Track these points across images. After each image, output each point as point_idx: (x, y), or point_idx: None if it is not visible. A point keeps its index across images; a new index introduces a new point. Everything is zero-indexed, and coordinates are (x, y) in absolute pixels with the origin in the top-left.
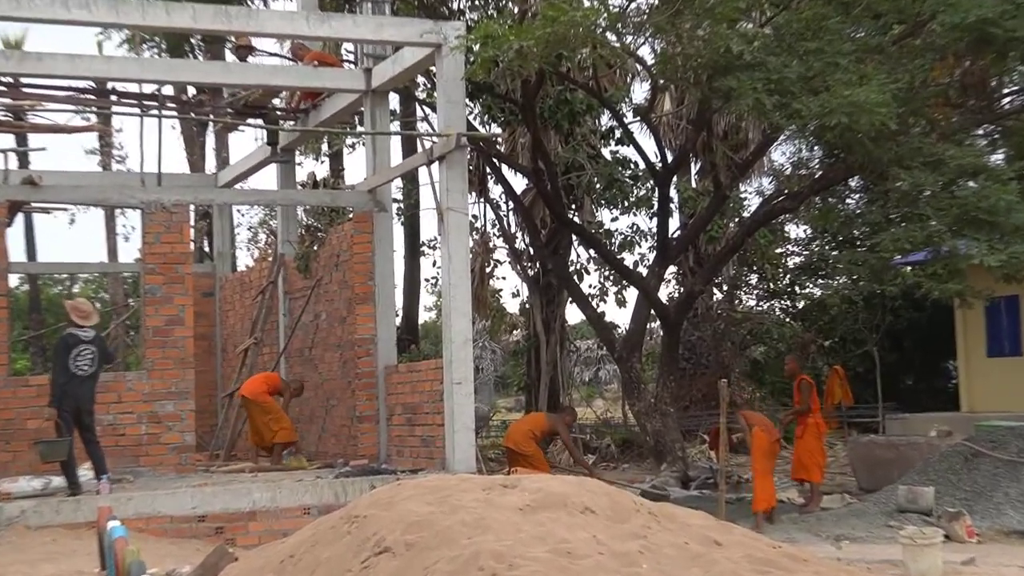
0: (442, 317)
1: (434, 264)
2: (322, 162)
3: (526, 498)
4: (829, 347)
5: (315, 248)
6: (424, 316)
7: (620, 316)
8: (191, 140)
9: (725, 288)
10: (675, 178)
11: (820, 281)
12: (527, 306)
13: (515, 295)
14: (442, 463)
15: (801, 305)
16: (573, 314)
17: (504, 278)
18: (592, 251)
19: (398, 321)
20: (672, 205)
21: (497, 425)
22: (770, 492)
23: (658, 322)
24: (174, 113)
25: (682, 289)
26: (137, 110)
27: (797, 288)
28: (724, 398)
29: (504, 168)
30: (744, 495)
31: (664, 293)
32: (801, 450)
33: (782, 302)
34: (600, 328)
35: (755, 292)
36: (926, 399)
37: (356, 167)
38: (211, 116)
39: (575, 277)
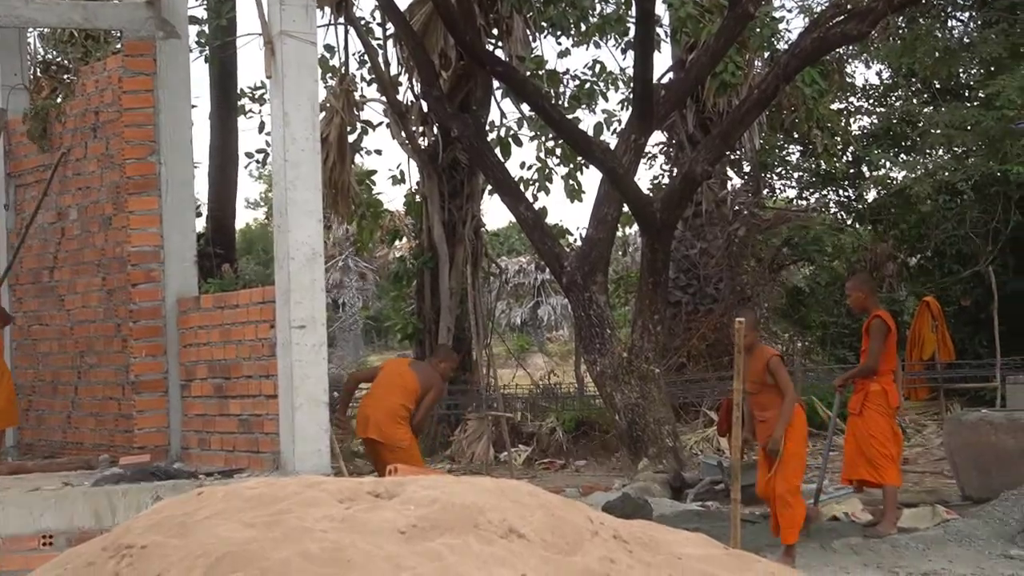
0: (274, 218)
1: (261, 129)
2: None
3: (412, 514)
4: (917, 266)
5: (58, 100)
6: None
7: (573, 215)
8: None
9: (747, 169)
10: None
11: (903, 158)
12: (417, 200)
13: (397, 181)
14: (275, 460)
15: (871, 197)
16: (495, 213)
17: (379, 153)
18: (527, 108)
19: (200, 225)
20: (660, 29)
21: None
22: (802, 508)
23: (635, 226)
24: None
25: (675, 171)
26: None
27: (865, 169)
28: (740, 350)
29: None
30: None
31: (645, 178)
32: (861, 433)
33: (841, 192)
34: (540, 237)
35: (797, 176)
36: None
37: None
38: None
39: (498, 151)
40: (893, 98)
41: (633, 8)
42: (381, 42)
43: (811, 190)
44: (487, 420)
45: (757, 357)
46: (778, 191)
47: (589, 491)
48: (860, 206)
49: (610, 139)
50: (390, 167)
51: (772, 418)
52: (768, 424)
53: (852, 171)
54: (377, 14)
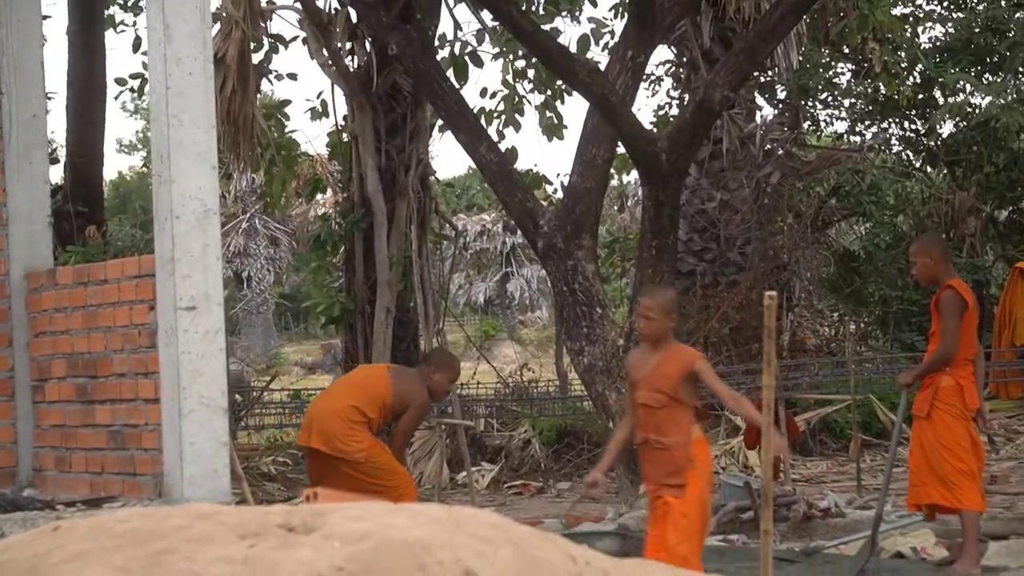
0: (153, 165)
1: (136, 48)
2: None
3: (337, 554)
4: (1007, 222)
5: None
6: (116, 164)
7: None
8: None
9: (782, 96)
10: None
11: (987, 79)
12: (345, 140)
13: (318, 115)
14: (156, 484)
15: (946, 131)
16: (449, 157)
17: (294, 78)
18: (489, 16)
19: (56, 175)
20: None
21: (292, 405)
22: None
23: (634, 173)
24: None
25: (686, 99)
26: None
27: (938, 94)
28: (770, 334)
29: None
30: (819, 545)
31: (647, 108)
32: (930, 443)
33: (906, 125)
34: (507, 187)
35: (848, 104)
36: None
37: None
38: None
39: (451, 74)
40: (975, 0)
41: None
42: None
43: (867, 122)
44: (439, 430)
45: (669, 358)
46: (823, 124)
47: (575, 522)
48: (931, 143)
49: (600, 57)
50: (308, 96)
51: (676, 447)
52: (668, 456)
53: (920, 97)
54: None
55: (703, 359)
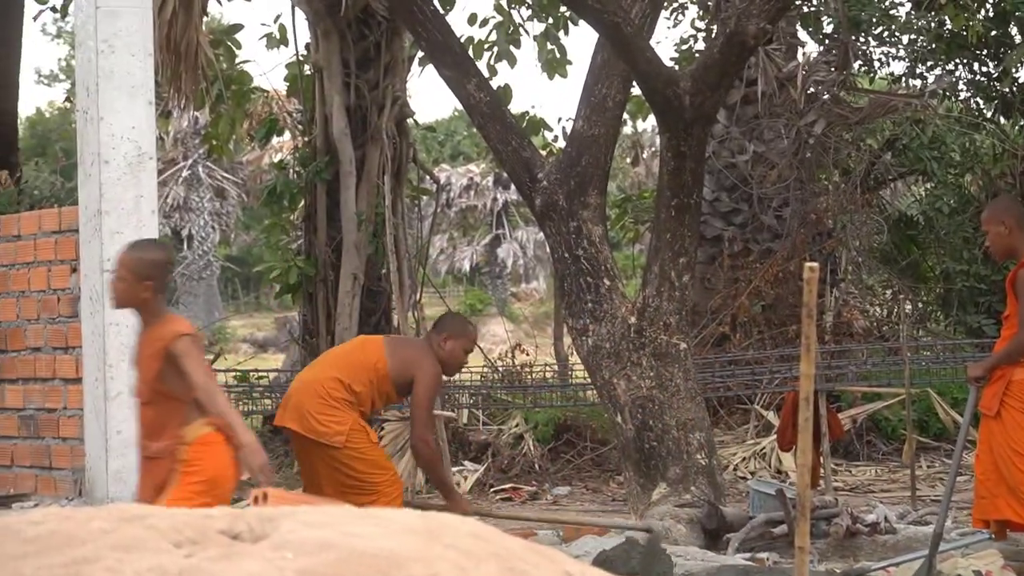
0: (78, 99)
1: None
2: None
3: (290, 567)
4: None
5: None
6: (35, 99)
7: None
8: None
9: (829, 31)
10: None
11: None
12: (307, 73)
13: (275, 43)
14: (76, 480)
15: None
16: (430, 96)
17: None
18: None
19: None
20: None
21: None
22: None
23: (651, 118)
24: None
25: (714, 29)
26: None
27: (1015, 31)
28: (810, 313)
29: None
30: (865, 567)
31: (667, 42)
32: (1000, 448)
33: (976, 67)
34: (500, 133)
35: (907, 41)
36: None
37: None
38: None
39: None
40: None
41: None
42: None
43: (929, 63)
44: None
45: (149, 338)
46: (877, 64)
47: (575, 535)
48: (1006, 89)
49: None
50: (264, 21)
51: (162, 455)
52: (155, 469)
53: (994, 34)
54: None
55: (189, 337)
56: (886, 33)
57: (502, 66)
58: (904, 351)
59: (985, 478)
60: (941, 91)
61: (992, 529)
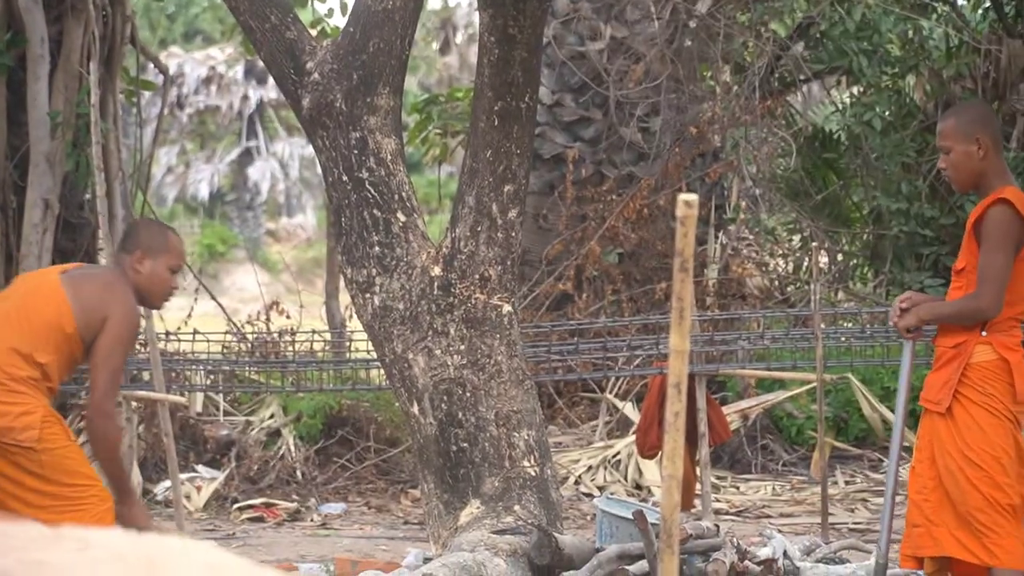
0: None
1: None
2: None
3: None
4: None
5: None
6: None
7: None
8: None
9: None
10: None
11: None
12: None
13: None
14: None
15: None
16: None
17: None
18: None
19: None
20: None
21: None
22: None
23: None
24: None
25: None
26: None
27: None
28: (685, 265)
29: None
30: None
31: None
32: (949, 458)
33: None
34: (254, 3)
35: None
36: None
37: None
38: None
39: None
40: None
41: None
42: None
43: None
44: (127, 409)
45: None
46: None
47: (348, 568)
48: None
49: None
50: None
51: None
52: None
53: None
54: None
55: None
56: None
57: None
58: (816, 321)
59: (922, 499)
60: None
61: (927, 571)
